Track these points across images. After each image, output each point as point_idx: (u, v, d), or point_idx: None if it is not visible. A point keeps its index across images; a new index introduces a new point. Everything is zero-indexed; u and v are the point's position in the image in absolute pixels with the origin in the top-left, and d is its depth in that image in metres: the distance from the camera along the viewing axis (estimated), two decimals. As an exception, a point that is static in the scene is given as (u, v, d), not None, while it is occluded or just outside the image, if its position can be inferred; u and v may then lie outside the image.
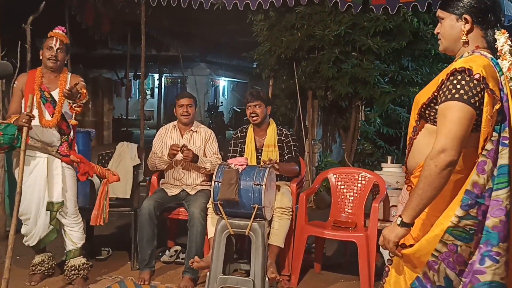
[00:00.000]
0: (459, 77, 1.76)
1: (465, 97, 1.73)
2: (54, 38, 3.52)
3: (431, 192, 1.74)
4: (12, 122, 3.30)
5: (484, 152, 1.76)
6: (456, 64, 1.79)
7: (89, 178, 4.21)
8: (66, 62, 3.67)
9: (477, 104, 1.74)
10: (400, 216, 1.82)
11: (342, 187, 4.18)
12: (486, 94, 1.74)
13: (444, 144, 1.72)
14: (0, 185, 4.63)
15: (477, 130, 1.77)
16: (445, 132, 1.74)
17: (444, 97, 1.77)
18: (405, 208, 1.80)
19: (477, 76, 1.73)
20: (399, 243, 1.84)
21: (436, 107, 1.83)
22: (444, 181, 1.74)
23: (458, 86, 1.75)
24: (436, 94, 1.84)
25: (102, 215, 3.64)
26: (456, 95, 1.74)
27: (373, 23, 6.17)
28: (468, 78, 1.74)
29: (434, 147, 1.75)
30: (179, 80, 20.98)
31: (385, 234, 1.86)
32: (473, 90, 1.73)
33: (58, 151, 3.49)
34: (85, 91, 3.42)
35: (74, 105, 3.37)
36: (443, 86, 1.80)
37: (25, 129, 3.23)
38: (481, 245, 1.74)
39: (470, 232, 1.75)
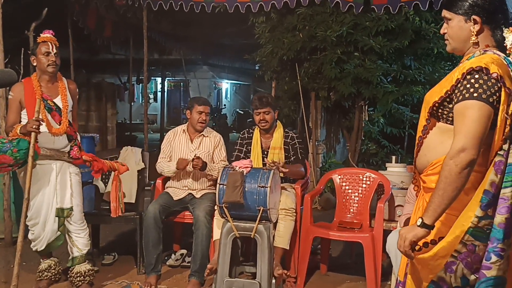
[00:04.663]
0: (477, 76, 1.75)
1: (483, 96, 1.73)
2: (49, 43, 3.46)
3: (452, 192, 1.73)
4: (18, 130, 3.27)
5: (501, 152, 1.76)
6: (472, 63, 1.78)
7: (93, 183, 4.24)
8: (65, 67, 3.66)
9: (495, 103, 1.74)
10: (421, 217, 1.79)
11: (347, 187, 4.17)
12: (502, 93, 1.74)
13: (464, 143, 1.72)
14: (6, 191, 4.65)
15: (492, 128, 1.77)
16: (464, 131, 1.73)
17: (461, 96, 1.76)
18: (426, 209, 1.79)
19: (494, 75, 1.73)
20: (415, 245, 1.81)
21: (450, 105, 1.83)
22: (465, 181, 1.73)
23: (476, 85, 1.74)
24: (450, 92, 1.83)
25: (119, 206, 3.70)
26: (475, 94, 1.73)
27: (375, 23, 6.16)
28: (486, 77, 1.74)
29: (454, 146, 1.74)
30: (182, 83, 21.04)
31: (402, 233, 1.83)
32: (491, 89, 1.73)
33: (70, 156, 3.51)
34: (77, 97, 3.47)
35: None
36: (459, 85, 1.79)
37: (33, 134, 3.21)
38: (487, 241, 1.74)
39: (487, 231, 1.74)
